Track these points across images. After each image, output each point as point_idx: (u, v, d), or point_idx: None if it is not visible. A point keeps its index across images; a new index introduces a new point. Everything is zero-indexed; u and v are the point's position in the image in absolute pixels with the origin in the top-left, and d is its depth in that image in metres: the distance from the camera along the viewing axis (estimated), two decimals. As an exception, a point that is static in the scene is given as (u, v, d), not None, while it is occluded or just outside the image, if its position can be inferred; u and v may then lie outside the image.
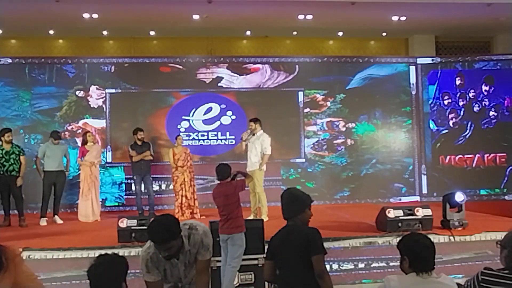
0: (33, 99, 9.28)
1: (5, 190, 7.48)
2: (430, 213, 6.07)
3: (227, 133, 9.64)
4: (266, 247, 3.25)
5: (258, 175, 7.34)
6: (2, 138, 7.55)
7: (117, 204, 9.32)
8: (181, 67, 9.76)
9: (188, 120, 9.58)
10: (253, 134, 7.48)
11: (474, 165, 9.97)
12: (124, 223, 5.62)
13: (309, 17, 9.56)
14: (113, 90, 9.52)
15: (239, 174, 5.13)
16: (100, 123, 9.45)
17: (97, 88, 9.46)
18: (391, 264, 5.53)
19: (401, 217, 5.98)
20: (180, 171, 8.03)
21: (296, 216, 3.09)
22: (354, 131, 10.00)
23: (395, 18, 9.83)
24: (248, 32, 10.85)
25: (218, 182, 4.95)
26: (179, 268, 2.99)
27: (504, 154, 9.92)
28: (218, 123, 9.66)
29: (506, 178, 9.89)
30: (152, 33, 10.72)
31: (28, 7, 8.55)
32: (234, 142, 9.57)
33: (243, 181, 4.98)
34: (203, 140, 9.61)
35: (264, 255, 5.07)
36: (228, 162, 5.23)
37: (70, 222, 7.80)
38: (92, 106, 9.43)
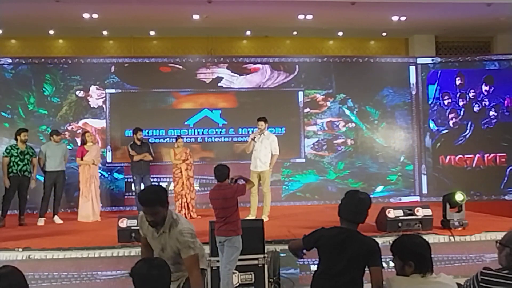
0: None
1: (14, 190, 7.44)
2: (430, 213, 6.08)
3: (227, 132, 9.66)
4: (311, 232, 3.16)
5: (268, 175, 7.38)
6: (18, 137, 7.57)
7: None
8: (181, 67, 9.75)
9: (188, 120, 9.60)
10: (260, 134, 7.44)
11: (474, 165, 9.97)
12: (124, 223, 5.63)
13: (309, 17, 9.55)
14: (113, 90, 9.52)
15: (240, 179, 5.11)
16: (100, 123, 9.46)
17: (97, 88, 9.46)
18: (391, 264, 5.51)
19: (401, 217, 5.99)
20: (180, 170, 8.01)
21: (359, 222, 3.06)
22: (354, 131, 10.00)
23: (395, 18, 9.81)
24: (248, 32, 10.84)
25: (217, 183, 4.91)
26: (156, 244, 3.15)
27: (504, 154, 9.93)
28: (217, 122, 9.66)
29: (506, 178, 9.90)
30: (152, 33, 10.71)
31: (28, 7, 8.53)
32: (233, 141, 9.59)
33: (244, 185, 4.95)
34: (203, 139, 9.62)
35: (265, 255, 5.13)
36: (228, 162, 5.21)
37: (70, 222, 7.79)
38: (92, 106, 9.44)
